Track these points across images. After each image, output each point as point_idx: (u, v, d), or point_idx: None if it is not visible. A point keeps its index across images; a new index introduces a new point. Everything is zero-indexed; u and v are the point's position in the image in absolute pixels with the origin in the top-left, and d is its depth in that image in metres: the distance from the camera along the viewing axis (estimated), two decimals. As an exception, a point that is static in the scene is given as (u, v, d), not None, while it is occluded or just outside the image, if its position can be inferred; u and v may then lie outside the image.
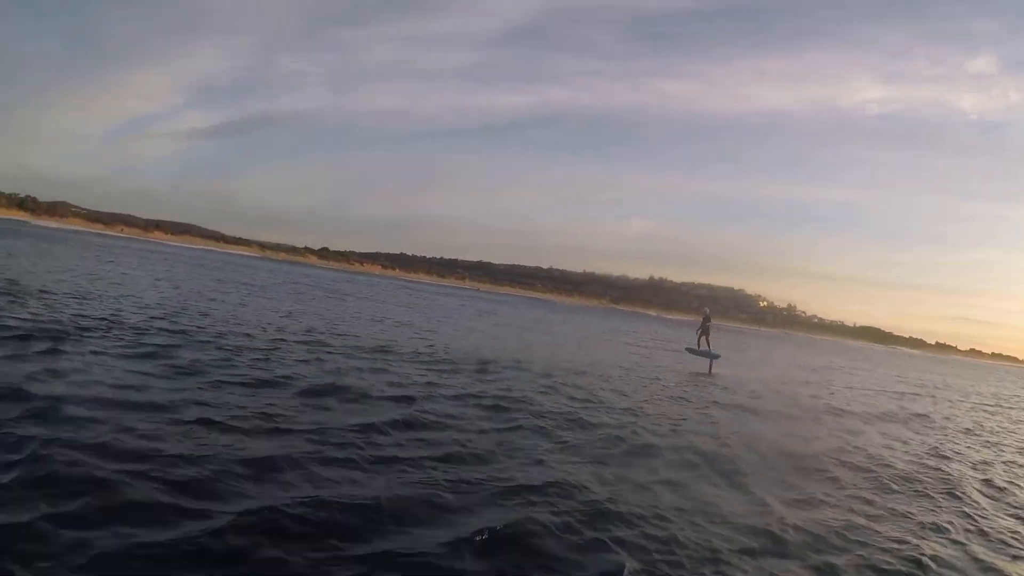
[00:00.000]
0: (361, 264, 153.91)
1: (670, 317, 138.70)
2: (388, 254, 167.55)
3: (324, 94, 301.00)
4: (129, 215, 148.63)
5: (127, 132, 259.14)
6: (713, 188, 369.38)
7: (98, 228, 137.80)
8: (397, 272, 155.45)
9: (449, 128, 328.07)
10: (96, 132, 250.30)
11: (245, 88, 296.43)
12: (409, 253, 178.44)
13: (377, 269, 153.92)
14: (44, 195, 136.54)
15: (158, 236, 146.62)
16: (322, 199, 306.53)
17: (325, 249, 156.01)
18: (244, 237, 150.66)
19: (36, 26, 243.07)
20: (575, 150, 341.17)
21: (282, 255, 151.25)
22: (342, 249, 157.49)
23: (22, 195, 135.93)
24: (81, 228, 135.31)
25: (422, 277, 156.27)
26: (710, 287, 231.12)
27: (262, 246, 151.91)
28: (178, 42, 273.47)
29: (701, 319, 19.39)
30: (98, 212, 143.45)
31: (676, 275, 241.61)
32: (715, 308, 28.47)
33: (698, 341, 19.12)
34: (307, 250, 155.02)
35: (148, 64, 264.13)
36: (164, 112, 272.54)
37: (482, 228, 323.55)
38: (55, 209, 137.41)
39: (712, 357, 18.48)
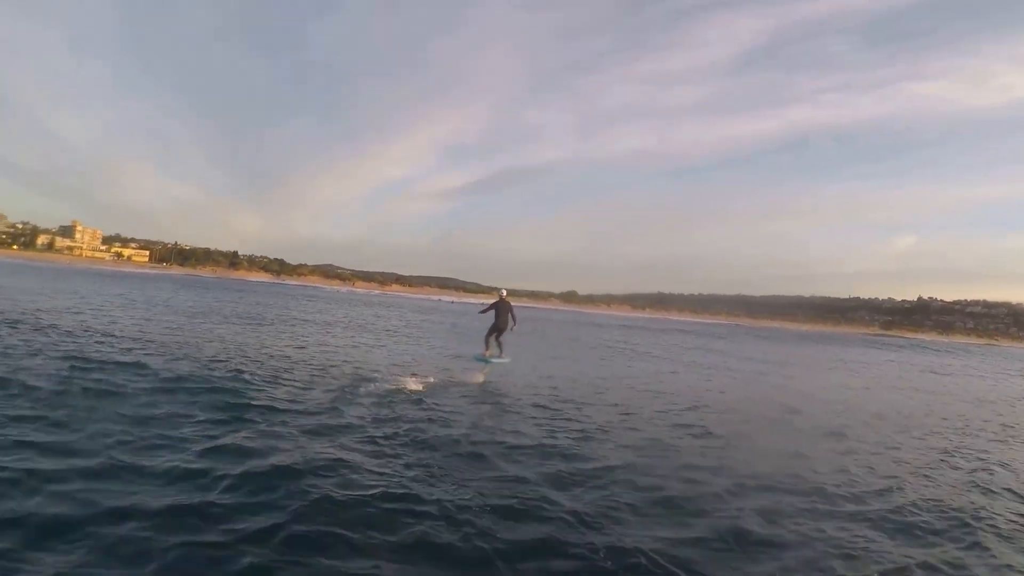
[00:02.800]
0: (607, 305, 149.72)
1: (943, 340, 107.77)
2: (643, 294, 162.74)
3: (569, 142, 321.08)
4: (395, 273, 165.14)
5: (385, 196, 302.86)
6: (985, 193, 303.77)
7: (375, 288, 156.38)
8: (647, 312, 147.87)
9: (694, 162, 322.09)
10: (357, 198, 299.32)
11: (493, 145, 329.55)
12: (665, 292, 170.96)
13: (627, 310, 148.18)
14: (312, 258, 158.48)
15: (396, 289, 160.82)
16: (573, 245, 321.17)
17: (572, 292, 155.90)
18: (496, 286, 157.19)
19: (300, 110, 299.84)
20: (825, 170, 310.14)
21: (525, 300, 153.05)
22: (592, 292, 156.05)
23: (293, 262, 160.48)
24: (359, 290, 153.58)
25: (674, 315, 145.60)
26: (985, 303, 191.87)
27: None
28: (427, 110, 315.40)
29: None
30: (364, 271, 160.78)
31: (947, 293, 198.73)
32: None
33: None
34: (548, 294, 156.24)
35: (402, 132, 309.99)
36: (419, 175, 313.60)
37: (737, 260, 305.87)
38: (326, 271, 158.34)
39: None
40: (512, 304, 12.65)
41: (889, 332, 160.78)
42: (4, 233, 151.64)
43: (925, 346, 78.45)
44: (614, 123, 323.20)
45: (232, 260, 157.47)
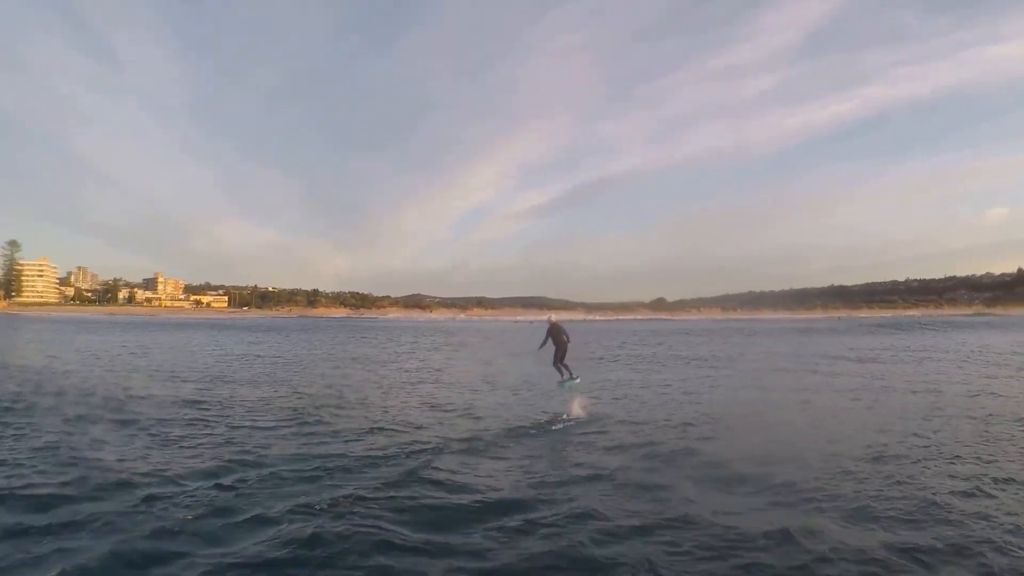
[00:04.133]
0: (697, 310, 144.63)
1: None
2: (734, 295, 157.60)
3: (646, 149, 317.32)
4: (481, 297, 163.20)
5: (470, 222, 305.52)
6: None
7: (456, 313, 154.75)
8: (738, 312, 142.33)
9: (772, 154, 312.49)
10: (442, 227, 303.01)
11: (571, 161, 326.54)
12: (756, 291, 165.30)
13: (717, 312, 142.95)
14: (399, 291, 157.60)
15: (476, 312, 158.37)
16: (658, 252, 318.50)
17: (660, 299, 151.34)
18: (592, 302, 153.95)
19: (379, 146, 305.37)
20: (907, 147, 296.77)
21: (610, 313, 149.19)
22: (681, 298, 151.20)
23: (381, 295, 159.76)
24: (439, 316, 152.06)
25: (767, 313, 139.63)
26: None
27: (588, 308, 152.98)
28: (504, 133, 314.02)
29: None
30: (447, 299, 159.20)
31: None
32: None
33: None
34: (637, 304, 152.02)
35: (481, 158, 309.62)
36: (501, 198, 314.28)
37: (828, 251, 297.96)
38: (415, 302, 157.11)
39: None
40: (564, 324, 12.96)
41: (993, 310, 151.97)
42: (90, 291, 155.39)
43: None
44: (688, 124, 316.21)
45: (310, 298, 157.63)
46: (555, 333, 12.45)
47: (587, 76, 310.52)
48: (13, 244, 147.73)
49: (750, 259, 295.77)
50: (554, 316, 13.22)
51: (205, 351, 28.82)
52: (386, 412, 12.01)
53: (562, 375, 12.62)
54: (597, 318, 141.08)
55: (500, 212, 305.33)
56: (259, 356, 26.60)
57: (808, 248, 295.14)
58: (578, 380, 12.64)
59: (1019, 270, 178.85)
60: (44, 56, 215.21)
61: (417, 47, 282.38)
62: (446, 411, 12.26)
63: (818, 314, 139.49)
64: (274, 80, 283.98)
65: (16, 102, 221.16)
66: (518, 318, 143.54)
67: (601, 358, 25.99)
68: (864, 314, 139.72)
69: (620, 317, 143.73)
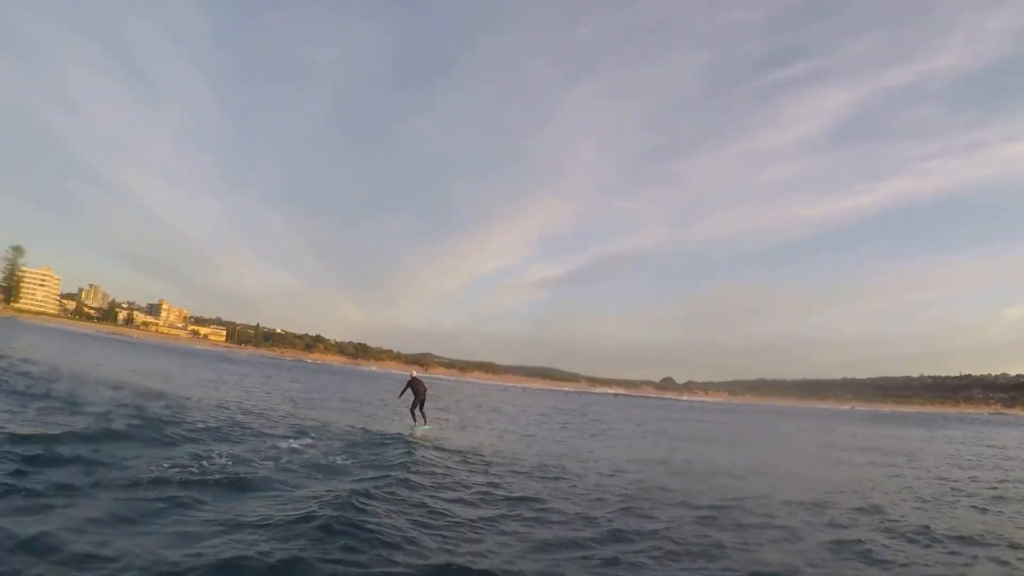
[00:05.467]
0: (705, 392, 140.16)
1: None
2: (744, 381, 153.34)
3: (663, 228, 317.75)
4: (490, 362, 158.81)
5: (484, 287, 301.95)
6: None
7: (454, 374, 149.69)
8: (747, 398, 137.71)
9: (791, 243, 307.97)
10: (457, 289, 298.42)
11: (588, 234, 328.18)
12: (768, 378, 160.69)
13: (724, 396, 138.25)
14: (409, 348, 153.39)
15: (476, 376, 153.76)
16: (669, 331, 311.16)
17: (669, 379, 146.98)
18: (599, 376, 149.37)
19: (398, 204, 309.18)
20: (926, 241, 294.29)
21: (618, 388, 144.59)
22: (691, 379, 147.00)
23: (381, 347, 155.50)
24: (443, 376, 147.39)
25: (775, 400, 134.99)
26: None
27: (591, 380, 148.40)
28: (523, 203, 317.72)
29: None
30: (456, 360, 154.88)
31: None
32: None
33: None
34: (644, 382, 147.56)
35: (498, 225, 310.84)
36: (516, 266, 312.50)
37: (841, 341, 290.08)
38: (422, 360, 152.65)
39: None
40: (424, 379, 15.84)
41: (1012, 411, 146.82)
42: (93, 309, 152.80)
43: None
44: (707, 207, 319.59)
45: (309, 343, 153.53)
46: (415, 385, 15.35)
47: (608, 152, 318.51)
48: (17, 249, 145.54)
49: (761, 345, 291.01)
50: (415, 372, 16.55)
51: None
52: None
53: (414, 420, 15.31)
54: (609, 391, 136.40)
55: (515, 279, 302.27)
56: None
57: (820, 337, 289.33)
58: (428, 427, 15.39)
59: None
60: (86, 85, 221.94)
61: (446, 108, 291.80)
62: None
63: (829, 404, 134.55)
64: (304, 125, 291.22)
65: (69, 134, 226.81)
66: (508, 385, 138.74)
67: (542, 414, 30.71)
68: (878, 407, 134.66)
69: (630, 393, 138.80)
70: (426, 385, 15.49)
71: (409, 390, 15.27)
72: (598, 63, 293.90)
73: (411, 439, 13.46)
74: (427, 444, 13.09)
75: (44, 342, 42.16)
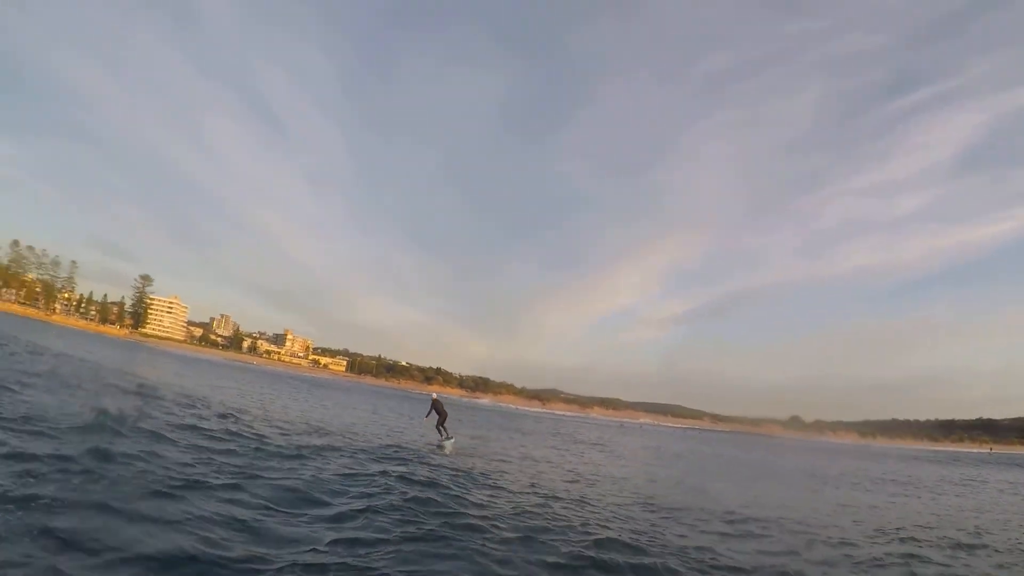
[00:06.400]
0: (835, 432, 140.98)
1: None
2: (874, 421, 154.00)
3: (791, 264, 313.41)
4: (609, 398, 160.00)
5: (611, 324, 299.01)
6: None
7: (575, 410, 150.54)
8: (877, 439, 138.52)
9: (923, 275, 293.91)
10: (582, 325, 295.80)
11: (715, 270, 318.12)
12: (900, 418, 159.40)
13: (853, 437, 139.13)
14: (533, 383, 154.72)
15: (597, 412, 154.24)
16: (798, 369, 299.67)
17: (796, 418, 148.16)
18: (723, 414, 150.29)
19: (529, 248, 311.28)
20: None
21: (736, 426, 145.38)
22: (819, 418, 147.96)
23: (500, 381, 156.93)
24: (563, 412, 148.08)
25: (908, 442, 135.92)
26: None
27: (715, 418, 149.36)
28: (649, 239, 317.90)
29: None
30: (579, 396, 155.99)
31: None
32: None
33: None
34: (769, 420, 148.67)
35: (626, 262, 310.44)
36: (644, 302, 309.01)
37: (978, 379, 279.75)
38: (544, 396, 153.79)
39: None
40: (442, 400, 18.31)
41: None
42: (221, 337, 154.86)
43: None
44: (836, 241, 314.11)
45: (428, 375, 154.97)
46: (437, 406, 17.69)
47: (734, 186, 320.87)
48: (145, 278, 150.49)
49: (894, 384, 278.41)
50: (435, 394, 19.16)
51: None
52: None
53: (441, 435, 17.45)
54: (731, 429, 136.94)
55: (641, 316, 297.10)
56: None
57: (956, 376, 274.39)
58: (453, 440, 17.51)
59: None
60: (218, 127, 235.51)
61: (572, 143, 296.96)
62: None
63: (965, 447, 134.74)
64: (425, 169, 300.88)
65: (204, 174, 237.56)
66: (641, 422, 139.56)
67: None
68: (1016, 449, 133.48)
69: (756, 432, 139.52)
70: (447, 410, 18.10)
71: (433, 412, 17.57)
72: (720, 98, 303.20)
73: (440, 451, 15.95)
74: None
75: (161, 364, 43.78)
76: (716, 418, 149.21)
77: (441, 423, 17.37)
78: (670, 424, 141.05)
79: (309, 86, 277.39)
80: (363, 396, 58.63)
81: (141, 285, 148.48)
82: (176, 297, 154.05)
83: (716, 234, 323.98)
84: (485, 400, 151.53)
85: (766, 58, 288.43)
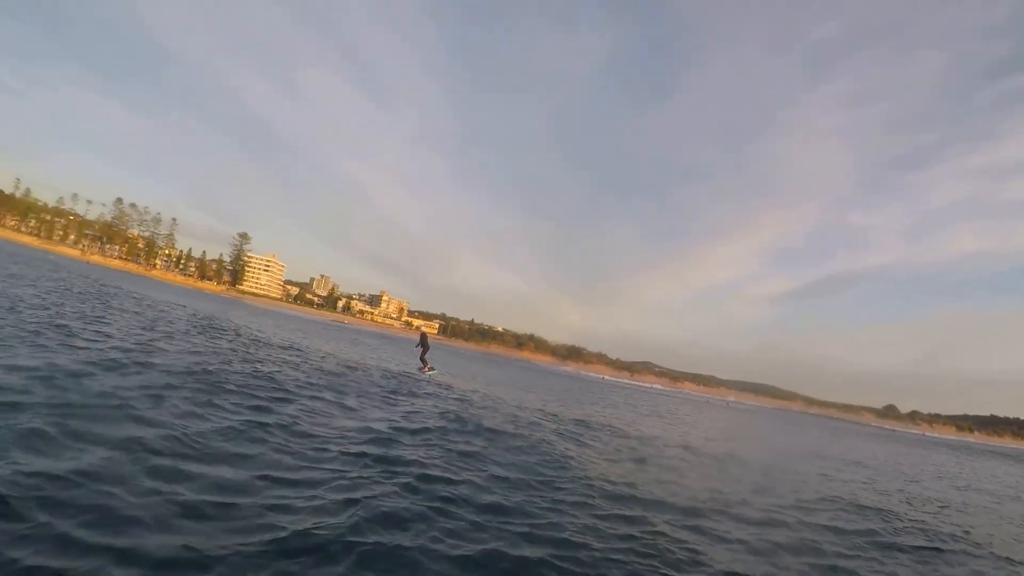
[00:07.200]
0: (930, 425, 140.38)
1: None
2: (973, 416, 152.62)
3: (898, 246, 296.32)
4: (703, 375, 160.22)
5: (709, 298, 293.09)
6: None
7: (664, 383, 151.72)
8: (975, 436, 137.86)
9: None
10: (680, 299, 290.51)
11: (818, 249, 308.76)
12: (1000, 415, 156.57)
13: (951, 431, 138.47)
14: (628, 355, 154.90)
15: (690, 388, 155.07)
16: (898, 356, 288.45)
17: (891, 407, 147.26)
18: (817, 398, 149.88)
19: (623, 213, 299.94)
20: None
21: (830, 411, 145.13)
22: (912, 410, 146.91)
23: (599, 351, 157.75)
24: (652, 384, 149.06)
25: (1006, 441, 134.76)
26: None
27: (808, 401, 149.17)
28: (753, 214, 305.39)
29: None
30: (672, 371, 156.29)
31: None
32: None
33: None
34: (864, 408, 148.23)
35: (729, 236, 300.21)
36: (745, 278, 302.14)
37: None
38: (635, 367, 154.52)
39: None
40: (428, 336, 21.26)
41: None
42: (317, 296, 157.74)
43: None
44: (945, 223, 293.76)
45: (520, 340, 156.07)
46: (423, 340, 20.25)
47: (840, 162, 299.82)
48: (243, 236, 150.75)
49: (997, 378, 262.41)
50: (424, 328, 24.54)
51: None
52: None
53: (424, 365, 19.51)
54: (823, 414, 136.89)
55: (741, 293, 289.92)
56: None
57: None
58: (436, 371, 19.74)
59: None
60: (322, 89, 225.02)
61: (677, 111, 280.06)
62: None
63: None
64: (527, 131, 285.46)
65: (303, 130, 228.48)
66: (728, 399, 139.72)
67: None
68: None
69: (843, 417, 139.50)
70: (429, 345, 20.11)
71: (422, 346, 20.06)
72: (832, 67, 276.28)
73: (428, 380, 16.72)
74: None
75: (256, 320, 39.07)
76: (809, 401, 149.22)
77: (423, 355, 19.98)
78: (758, 403, 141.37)
79: (412, 45, 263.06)
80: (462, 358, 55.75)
81: (239, 243, 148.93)
82: (273, 256, 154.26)
83: (821, 211, 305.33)
84: (568, 368, 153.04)
85: (880, 28, 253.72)
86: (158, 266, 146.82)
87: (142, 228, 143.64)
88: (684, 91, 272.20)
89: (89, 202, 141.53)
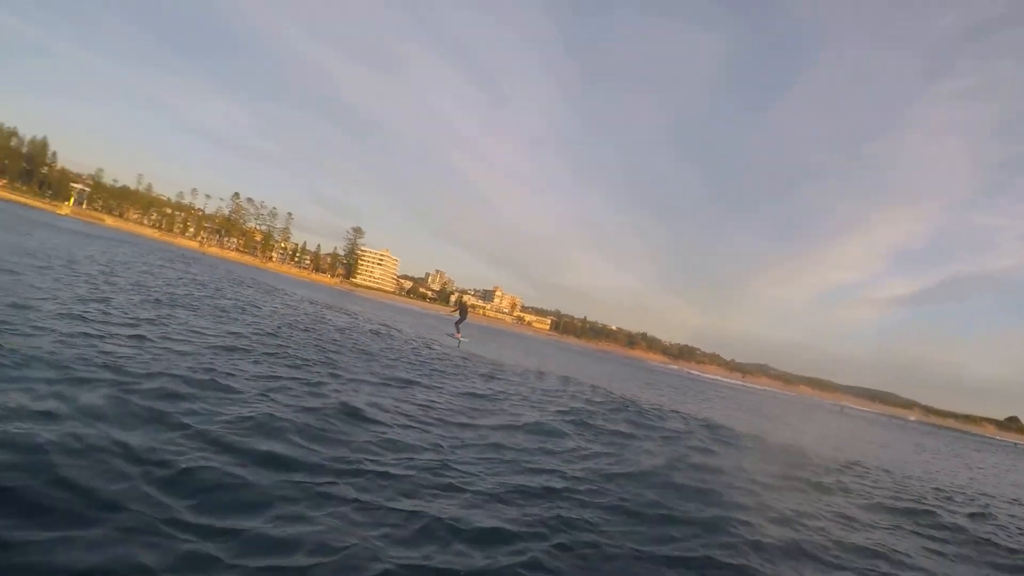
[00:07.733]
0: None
1: None
2: None
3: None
4: (820, 379, 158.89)
5: (828, 301, 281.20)
6: None
7: (778, 386, 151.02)
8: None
9: None
10: (798, 302, 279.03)
11: (941, 250, 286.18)
12: None
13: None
14: (745, 357, 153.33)
15: (804, 391, 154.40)
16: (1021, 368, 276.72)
17: (1014, 419, 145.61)
18: (936, 407, 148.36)
19: (746, 218, 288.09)
20: None
21: (949, 421, 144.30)
22: None
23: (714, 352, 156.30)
24: (764, 387, 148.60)
25: None
26: None
27: (927, 410, 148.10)
28: (873, 213, 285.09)
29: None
30: (788, 373, 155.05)
31: None
32: None
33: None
34: (985, 419, 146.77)
35: (847, 236, 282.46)
36: (865, 280, 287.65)
37: None
38: (748, 369, 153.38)
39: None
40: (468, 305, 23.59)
41: None
42: (431, 291, 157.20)
43: None
44: None
45: (631, 339, 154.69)
46: (463, 309, 21.47)
47: (964, 160, 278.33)
48: (357, 230, 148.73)
49: None
50: (465, 299, 38.35)
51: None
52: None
53: (457, 332, 20.11)
54: (936, 423, 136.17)
55: (861, 296, 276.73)
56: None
57: None
58: (467, 340, 19.83)
59: None
60: (439, 82, 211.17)
61: (795, 109, 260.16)
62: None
63: None
64: (644, 128, 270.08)
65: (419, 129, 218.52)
66: (843, 404, 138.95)
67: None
68: None
69: (961, 428, 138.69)
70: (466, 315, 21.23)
71: (459, 312, 21.24)
72: (950, 64, 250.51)
73: (457, 351, 17.17)
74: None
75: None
76: (928, 410, 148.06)
77: (459, 322, 20.57)
78: (875, 410, 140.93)
79: (529, 43, 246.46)
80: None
81: (353, 237, 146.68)
82: (387, 250, 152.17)
83: (943, 212, 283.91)
84: (675, 367, 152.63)
85: (1003, 17, 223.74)
86: (274, 258, 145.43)
87: (259, 222, 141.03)
88: (802, 89, 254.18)
89: (208, 196, 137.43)
